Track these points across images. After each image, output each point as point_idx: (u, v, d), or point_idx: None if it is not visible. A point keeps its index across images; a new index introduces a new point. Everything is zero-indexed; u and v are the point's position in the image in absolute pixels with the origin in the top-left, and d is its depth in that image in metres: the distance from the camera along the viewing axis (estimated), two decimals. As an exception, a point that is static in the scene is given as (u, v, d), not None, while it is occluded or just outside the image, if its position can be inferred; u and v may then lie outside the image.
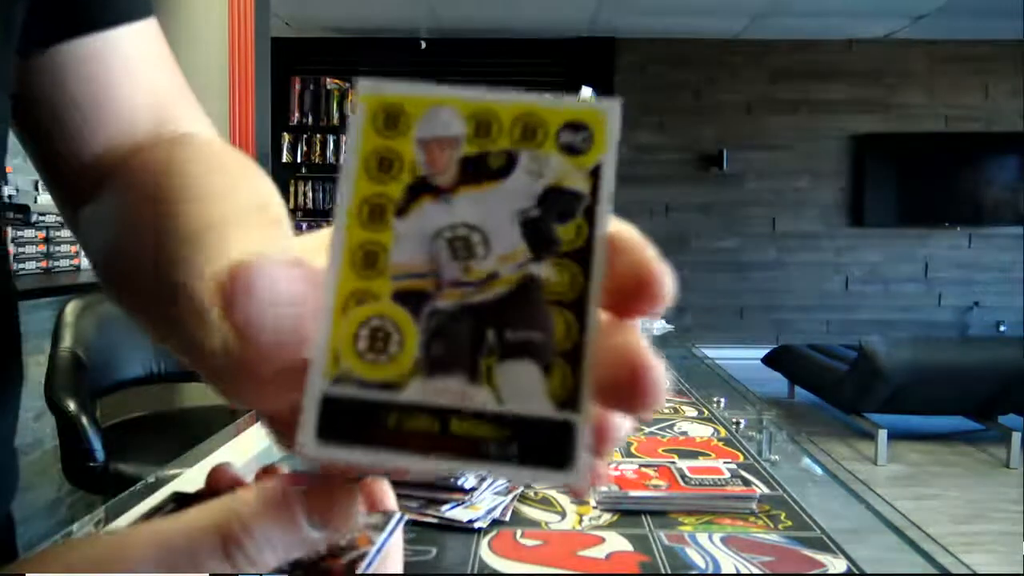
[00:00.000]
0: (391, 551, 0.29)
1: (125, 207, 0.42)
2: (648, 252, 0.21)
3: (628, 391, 0.20)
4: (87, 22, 0.46)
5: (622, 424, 0.22)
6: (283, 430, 0.26)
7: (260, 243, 0.33)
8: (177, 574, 0.21)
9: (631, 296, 0.21)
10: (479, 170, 0.21)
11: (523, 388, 0.20)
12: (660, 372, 0.20)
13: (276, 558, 0.23)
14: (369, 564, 0.26)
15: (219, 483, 0.28)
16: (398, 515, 0.30)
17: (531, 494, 0.70)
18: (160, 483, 0.73)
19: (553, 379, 0.20)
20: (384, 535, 0.28)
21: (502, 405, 0.19)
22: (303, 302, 0.22)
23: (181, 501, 0.28)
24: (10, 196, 2.62)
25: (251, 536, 0.22)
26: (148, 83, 0.49)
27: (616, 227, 0.21)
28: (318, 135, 5.76)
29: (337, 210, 0.21)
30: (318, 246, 0.24)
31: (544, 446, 0.19)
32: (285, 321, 0.21)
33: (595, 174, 0.21)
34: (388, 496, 0.30)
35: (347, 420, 0.20)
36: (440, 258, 0.20)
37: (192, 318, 0.30)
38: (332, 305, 0.20)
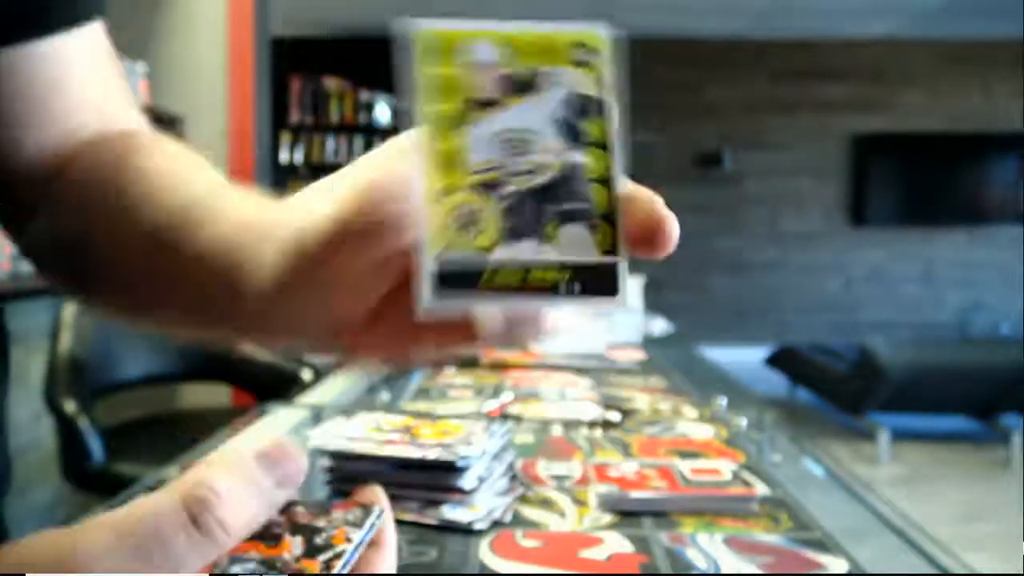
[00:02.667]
0: (384, 550, 0.28)
1: (92, 198, 0.40)
2: (657, 203, 0.27)
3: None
4: (31, 28, 0.43)
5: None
6: (338, 337, 0.31)
7: (255, 206, 0.35)
8: (144, 554, 0.21)
9: (645, 238, 0.27)
10: (516, 86, 0.27)
11: (578, 243, 0.26)
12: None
13: (245, 521, 0.24)
14: (346, 563, 0.25)
15: None
16: (378, 510, 0.28)
17: (531, 495, 0.70)
18: (159, 484, 0.73)
19: (598, 235, 0.27)
20: (363, 532, 0.27)
21: (564, 257, 0.26)
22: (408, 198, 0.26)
23: None
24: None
25: (218, 495, 0.23)
26: (94, 85, 0.46)
27: (631, 187, 0.28)
28: (317, 135, 5.75)
29: (417, 125, 0.26)
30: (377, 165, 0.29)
31: (598, 283, 0.26)
32: (403, 214, 0.27)
33: (601, 81, 0.27)
34: (371, 490, 0.30)
35: (454, 280, 0.25)
36: (504, 155, 0.26)
37: (228, 267, 0.33)
38: (428, 198, 0.26)
